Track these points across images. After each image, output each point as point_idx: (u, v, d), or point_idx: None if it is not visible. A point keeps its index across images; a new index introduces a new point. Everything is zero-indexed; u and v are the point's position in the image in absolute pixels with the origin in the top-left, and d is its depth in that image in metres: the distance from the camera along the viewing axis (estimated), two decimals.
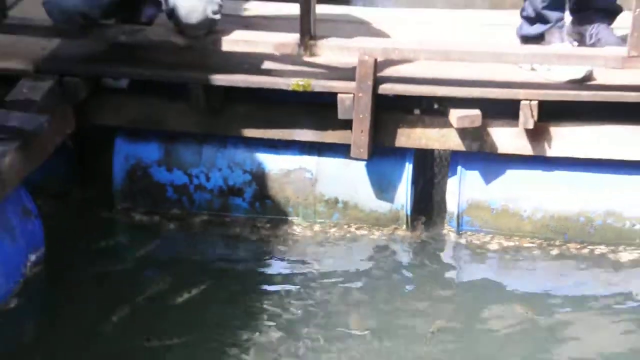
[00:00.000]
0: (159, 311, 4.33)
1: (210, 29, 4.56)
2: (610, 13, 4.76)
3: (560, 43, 4.61)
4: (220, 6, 4.51)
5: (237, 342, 4.15)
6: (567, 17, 4.77)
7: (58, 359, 4.12)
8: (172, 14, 4.48)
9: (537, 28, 4.69)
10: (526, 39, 4.75)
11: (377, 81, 4.53)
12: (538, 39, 4.68)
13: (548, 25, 4.63)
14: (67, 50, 4.82)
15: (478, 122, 4.55)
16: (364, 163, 4.70)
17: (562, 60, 4.52)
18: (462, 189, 4.75)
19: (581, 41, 4.74)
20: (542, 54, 4.55)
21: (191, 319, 4.28)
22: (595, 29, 4.71)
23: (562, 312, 4.35)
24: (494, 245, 4.74)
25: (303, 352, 4.10)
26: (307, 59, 4.63)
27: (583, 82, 4.54)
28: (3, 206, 4.29)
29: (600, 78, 4.53)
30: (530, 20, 4.72)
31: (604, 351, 4.15)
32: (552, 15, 4.62)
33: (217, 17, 4.50)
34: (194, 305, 4.38)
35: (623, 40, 4.52)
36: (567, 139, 4.59)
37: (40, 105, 4.48)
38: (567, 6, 4.69)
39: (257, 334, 4.19)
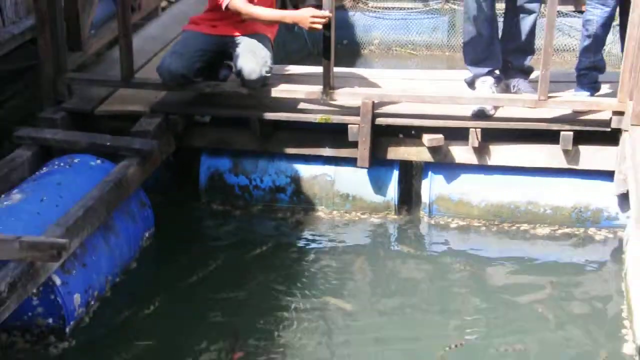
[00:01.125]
0: (230, 271, 4.41)
1: (264, 83, 4.67)
2: (526, 72, 4.89)
3: (484, 90, 4.72)
4: (271, 68, 4.67)
5: (279, 291, 4.22)
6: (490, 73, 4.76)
7: (162, 302, 4.12)
8: (239, 73, 4.64)
9: (468, 78, 4.87)
10: (466, 84, 4.90)
11: (375, 116, 4.67)
12: (470, 84, 4.85)
13: (472, 76, 4.81)
14: (170, 97, 4.92)
15: (442, 143, 4.69)
16: (366, 170, 4.81)
17: (495, 102, 4.63)
18: (432, 187, 4.82)
19: (507, 90, 4.84)
20: (482, 98, 4.65)
21: (250, 276, 4.35)
22: (516, 82, 4.83)
23: (497, 268, 4.46)
24: (453, 225, 4.80)
25: (322, 293, 4.19)
26: (328, 101, 4.73)
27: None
28: (128, 200, 4.39)
29: (521, 114, 4.63)
30: None
31: (519, 288, 4.28)
32: (473, 70, 4.78)
33: (269, 75, 4.65)
34: (254, 265, 4.46)
35: (535, 89, 4.58)
36: (501, 153, 4.70)
37: (153, 134, 4.62)
38: (488, 65, 4.74)
39: (294, 283, 4.27)
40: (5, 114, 5.80)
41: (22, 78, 6.12)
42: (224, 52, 4.80)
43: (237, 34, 4.72)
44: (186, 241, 4.69)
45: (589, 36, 4.60)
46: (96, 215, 3.97)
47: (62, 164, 4.39)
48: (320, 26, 4.47)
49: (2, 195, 4.13)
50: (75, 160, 4.42)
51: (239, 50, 4.66)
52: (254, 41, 4.67)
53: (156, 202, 4.76)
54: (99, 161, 4.46)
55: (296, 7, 7.71)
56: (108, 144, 4.51)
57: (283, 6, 7.50)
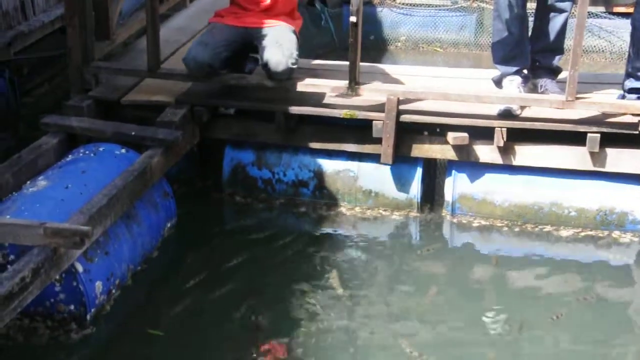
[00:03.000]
0: (250, 264, 4.40)
1: (290, 76, 4.67)
2: (554, 72, 4.84)
3: (511, 89, 4.67)
4: (297, 60, 4.65)
5: (299, 285, 4.19)
6: (518, 73, 4.69)
7: (183, 292, 4.13)
8: (265, 66, 4.64)
9: (495, 76, 4.82)
10: (493, 82, 4.86)
11: (399, 113, 4.64)
12: (498, 83, 4.80)
13: (500, 75, 4.76)
14: (196, 89, 4.93)
15: (466, 141, 4.66)
16: (389, 166, 4.79)
17: (522, 102, 4.58)
18: (455, 185, 4.79)
19: (534, 90, 4.79)
20: (509, 97, 4.60)
21: (271, 269, 4.35)
22: (544, 82, 4.78)
23: (519, 268, 4.45)
24: (476, 224, 4.76)
25: (342, 290, 4.16)
26: (352, 97, 4.71)
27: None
28: (151, 190, 4.41)
29: (548, 114, 4.60)
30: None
31: (541, 290, 4.26)
32: (502, 68, 4.73)
33: (295, 66, 4.65)
34: (274, 259, 4.45)
35: (563, 89, 4.55)
36: (526, 153, 4.67)
37: (178, 124, 4.62)
38: (517, 64, 4.69)
39: (315, 277, 4.26)
40: (34, 101, 5.87)
41: (51, 66, 6.19)
42: (249, 43, 4.80)
43: (263, 25, 4.71)
44: (208, 233, 4.69)
45: (632, 41, 4.55)
46: (119, 204, 3.99)
47: (87, 152, 4.42)
48: None
49: (28, 182, 4.17)
50: (101, 149, 4.45)
51: (265, 42, 4.66)
52: (279, 33, 4.67)
53: (179, 192, 4.77)
54: (123, 150, 4.47)
55: (323, 2, 7.79)
56: (133, 133, 4.53)
57: (310, 2, 7.57)
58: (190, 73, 4.76)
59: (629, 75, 4.62)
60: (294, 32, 4.77)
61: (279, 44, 4.61)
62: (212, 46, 4.66)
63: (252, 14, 4.74)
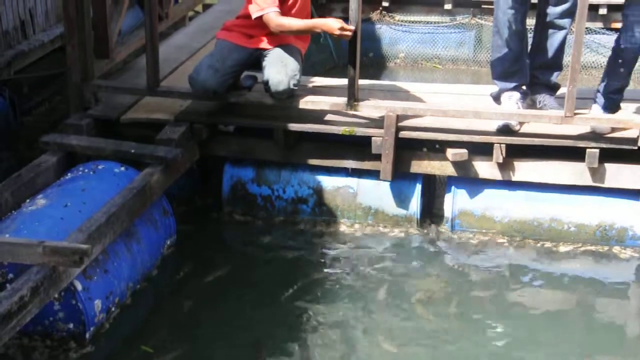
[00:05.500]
0: (250, 282, 4.40)
1: (290, 94, 4.67)
2: (552, 88, 4.86)
3: (509, 105, 4.69)
4: (298, 80, 4.66)
5: (299, 303, 4.20)
6: (517, 88, 4.72)
7: (183, 310, 4.15)
8: (266, 84, 4.64)
9: (494, 92, 4.84)
10: (492, 98, 4.87)
11: (398, 129, 4.65)
12: (496, 99, 4.82)
13: (499, 91, 4.78)
14: (196, 106, 4.93)
15: (465, 157, 4.67)
16: (388, 183, 4.78)
17: (521, 118, 4.59)
18: (455, 201, 4.80)
19: (533, 106, 4.80)
20: (507, 113, 4.61)
21: (271, 288, 4.34)
22: (542, 98, 4.79)
23: (519, 282, 4.44)
24: (475, 240, 4.76)
25: (341, 307, 4.17)
26: (352, 113, 4.73)
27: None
28: (150, 208, 4.40)
29: (547, 130, 4.60)
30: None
31: (542, 305, 4.27)
32: (500, 84, 4.75)
33: (296, 87, 4.66)
34: (274, 277, 4.45)
35: (561, 105, 4.56)
36: (525, 169, 4.67)
37: (177, 142, 4.63)
38: (516, 80, 4.71)
39: (315, 294, 4.26)
40: (34, 120, 5.87)
41: (51, 85, 6.20)
42: (256, 63, 4.78)
43: (271, 46, 4.70)
44: (207, 250, 4.69)
45: (621, 61, 4.56)
46: (119, 222, 3.99)
47: (86, 170, 4.42)
48: (349, 33, 4.47)
49: (27, 200, 4.18)
50: (100, 167, 4.45)
51: (268, 60, 4.66)
52: (284, 52, 4.66)
53: (178, 210, 4.77)
54: (123, 168, 4.47)
55: (322, 17, 7.77)
56: (132, 151, 4.53)
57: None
58: (192, 91, 4.77)
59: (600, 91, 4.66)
60: (300, 53, 4.76)
61: (284, 63, 4.61)
62: (222, 73, 4.65)
63: (262, 32, 4.68)
